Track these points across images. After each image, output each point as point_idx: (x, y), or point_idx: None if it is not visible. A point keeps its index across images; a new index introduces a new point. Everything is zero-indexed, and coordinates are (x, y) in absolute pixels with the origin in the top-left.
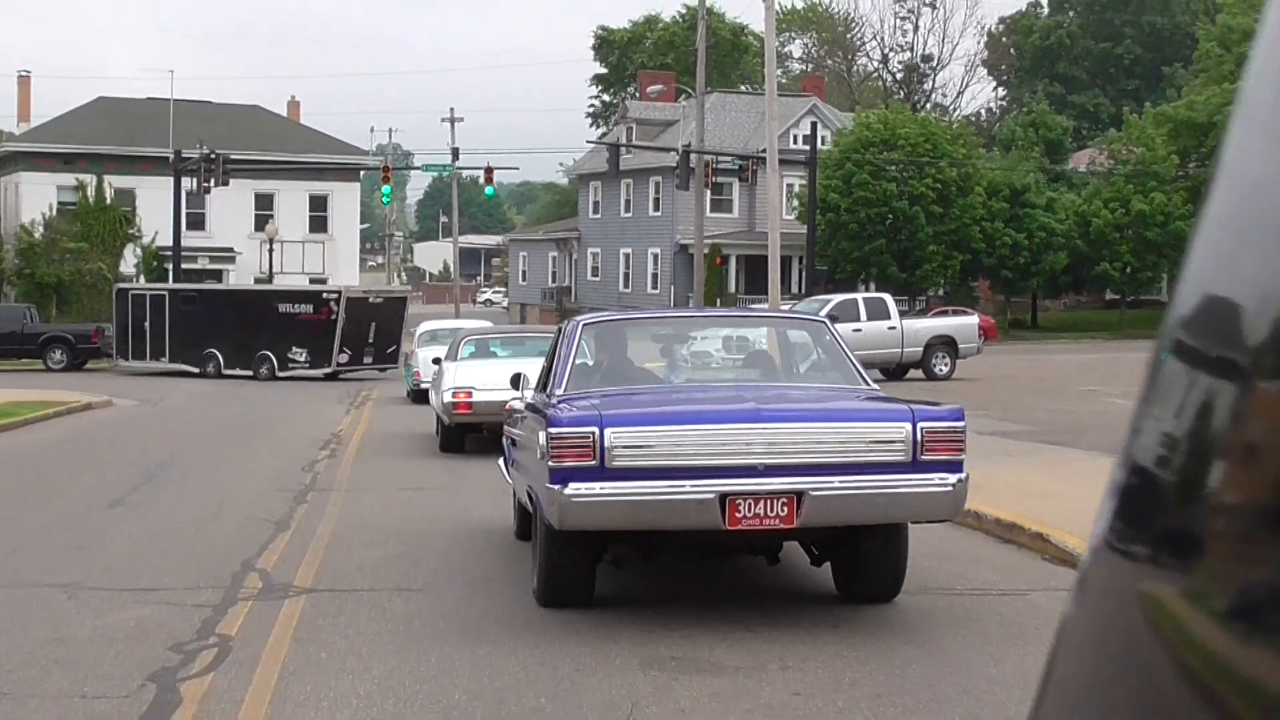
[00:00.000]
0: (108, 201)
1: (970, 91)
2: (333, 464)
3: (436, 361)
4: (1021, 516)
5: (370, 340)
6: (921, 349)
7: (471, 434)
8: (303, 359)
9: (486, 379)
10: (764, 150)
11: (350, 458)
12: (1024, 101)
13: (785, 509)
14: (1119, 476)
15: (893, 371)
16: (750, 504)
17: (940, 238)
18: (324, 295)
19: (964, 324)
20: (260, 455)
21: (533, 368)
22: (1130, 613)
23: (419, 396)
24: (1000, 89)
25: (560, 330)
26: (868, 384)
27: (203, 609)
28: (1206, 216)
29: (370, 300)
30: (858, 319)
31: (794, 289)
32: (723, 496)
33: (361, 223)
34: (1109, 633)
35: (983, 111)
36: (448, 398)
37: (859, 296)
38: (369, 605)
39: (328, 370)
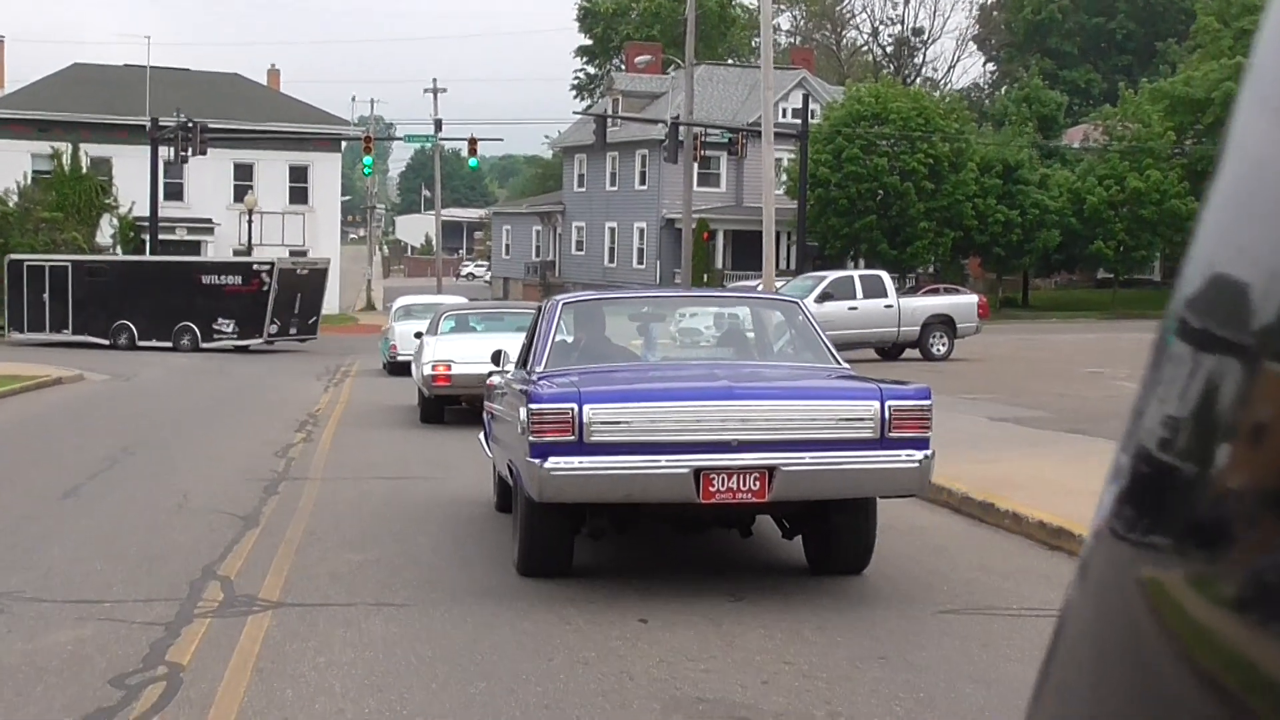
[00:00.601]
0: (84, 170)
1: (962, 66)
2: (308, 448)
3: (418, 336)
4: (1069, 521)
5: (296, 311)
6: (919, 328)
7: (450, 406)
8: (230, 330)
9: (465, 353)
10: (753, 123)
11: (327, 441)
12: (1015, 76)
13: (758, 483)
14: (1122, 460)
15: (889, 351)
16: (724, 478)
17: (932, 214)
18: (254, 266)
19: (962, 303)
20: (232, 437)
21: (511, 343)
22: (1133, 600)
23: (395, 369)
24: (990, 64)
25: (541, 309)
26: (838, 363)
27: (153, 628)
28: (1214, 195)
29: (298, 272)
30: (853, 296)
31: (783, 265)
32: (697, 471)
33: (343, 195)
34: (1111, 620)
35: (972, 87)
36: (427, 370)
37: (855, 274)
38: (344, 625)
39: (259, 341)
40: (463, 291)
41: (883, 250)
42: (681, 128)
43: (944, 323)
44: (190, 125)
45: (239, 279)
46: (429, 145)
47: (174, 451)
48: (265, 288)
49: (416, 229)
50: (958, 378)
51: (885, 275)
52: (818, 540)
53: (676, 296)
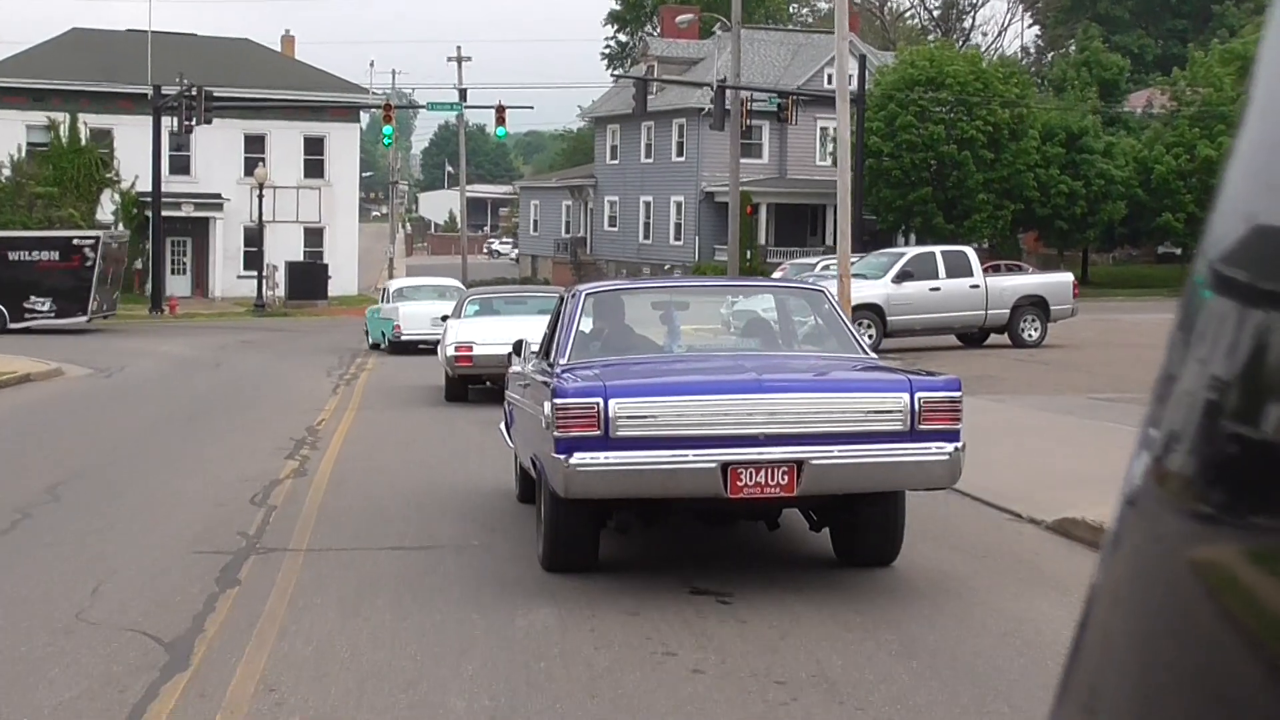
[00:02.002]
0: (82, 142)
1: (1014, 30)
2: (296, 491)
3: (444, 319)
4: None
5: (108, 286)
6: (1008, 311)
7: (475, 385)
8: (46, 309)
9: (487, 335)
10: (804, 85)
11: (323, 478)
12: (1059, 43)
13: (786, 478)
14: (1155, 430)
15: (972, 337)
16: (751, 473)
17: (991, 185)
18: (75, 242)
19: (1056, 282)
20: (198, 469)
21: (533, 326)
22: (1176, 572)
23: (399, 348)
24: (1035, 28)
25: (563, 298)
26: (865, 353)
27: None
28: (1245, 140)
29: (114, 246)
30: (935, 276)
31: (829, 240)
32: (724, 465)
33: (364, 171)
34: (1150, 595)
35: (1019, 53)
36: (450, 352)
37: (936, 250)
38: None
39: (81, 320)
40: (489, 270)
41: (938, 224)
42: (728, 93)
43: (1036, 305)
44: (195, 93)
45: (56, 254)
46: (455, 111)
47: (109, 498)
48: (89, 264)
49: (440, 206)
50: (1067, 370)
51: (970, 251)
52: (846, 533)
53: (701, 285)
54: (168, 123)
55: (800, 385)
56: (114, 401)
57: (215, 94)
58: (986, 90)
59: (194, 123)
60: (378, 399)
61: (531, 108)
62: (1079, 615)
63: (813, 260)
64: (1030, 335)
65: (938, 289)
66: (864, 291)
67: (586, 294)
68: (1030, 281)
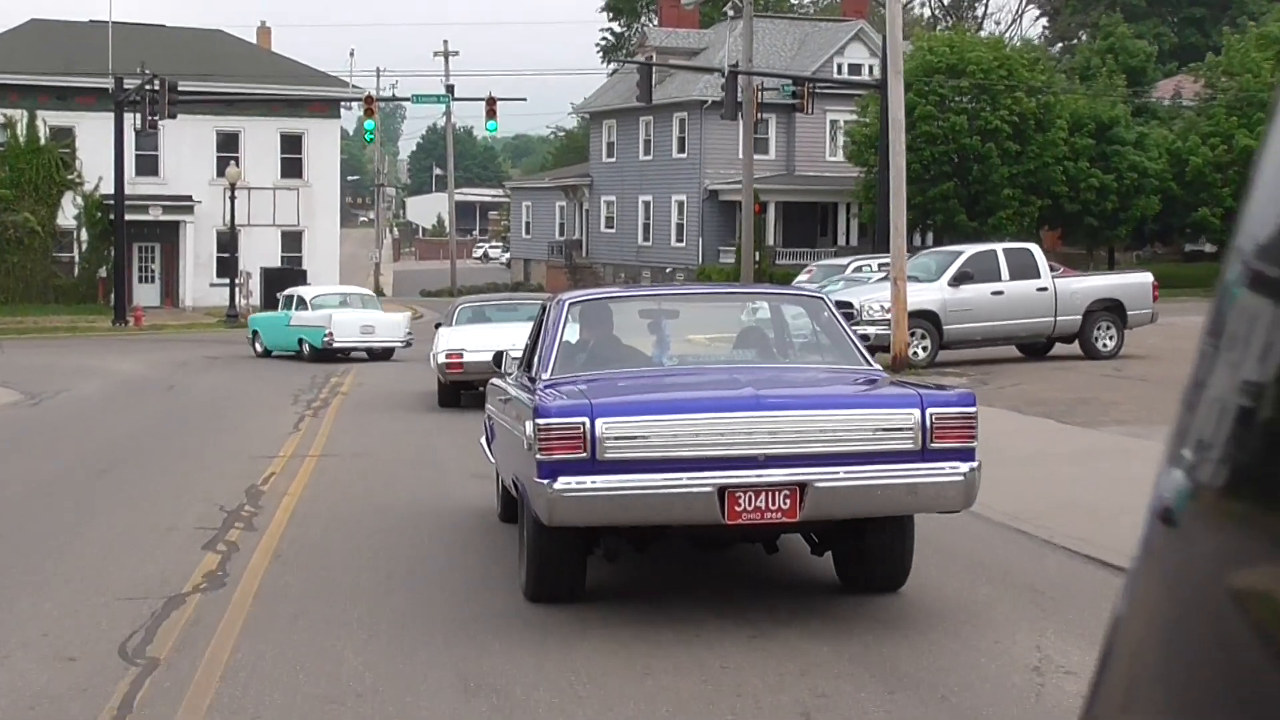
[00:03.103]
0: (41, 141)
1: (1028, 18)
2: (208, 608)
3: (437, 326)
4: None
5: None
6: (1080, 317)
7: (467, 390)
8: None
9: (477, 341)
10: (816, 72)
11: (246, 595)
12: (1070, 34)
13: (788, 501)
14: (1188, 437)
15: (1035, 348)
16: (750, 497)
17: (1016, 179)
18: None
19: (1133, 284)
20: (90, 557)
21: (523, 333)
22: (1207, 589)
23: (321, 356)
24: (1042, 19)
25: (545, 308)
26: (870, 365)
27: None
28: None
29: None
30: (998, 277)
31: (841, 241)
32: (722, 489)
33: (350, 175)
34: (1181, 613)
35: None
36: (441, 359)
37: (998, 248)
38: None
39: None
40: (480, 276)
41: (960, 222)
42: (739, 80)
43: (1111, 309)
44: (158, 85)
45: None
46: (442, 105)
47: None
48: None
49: (428, 210)
50: (1175, 387)
51: (1036, 249)
52: (850, 557)
53: (691, 293)
54: (132, 120)
55: (803, 401)
56: (24, 441)
57: (184, 88)
58: (1010, 78)
59: (158, 118)
60: (348, 435)
61: (524, 99)
62: (1106, 632)
63: (843, 261)
64: (1105, 345)
65: (1000, 293)
66: (916, 297)
67: (571, 303)
68: (1105, 283)
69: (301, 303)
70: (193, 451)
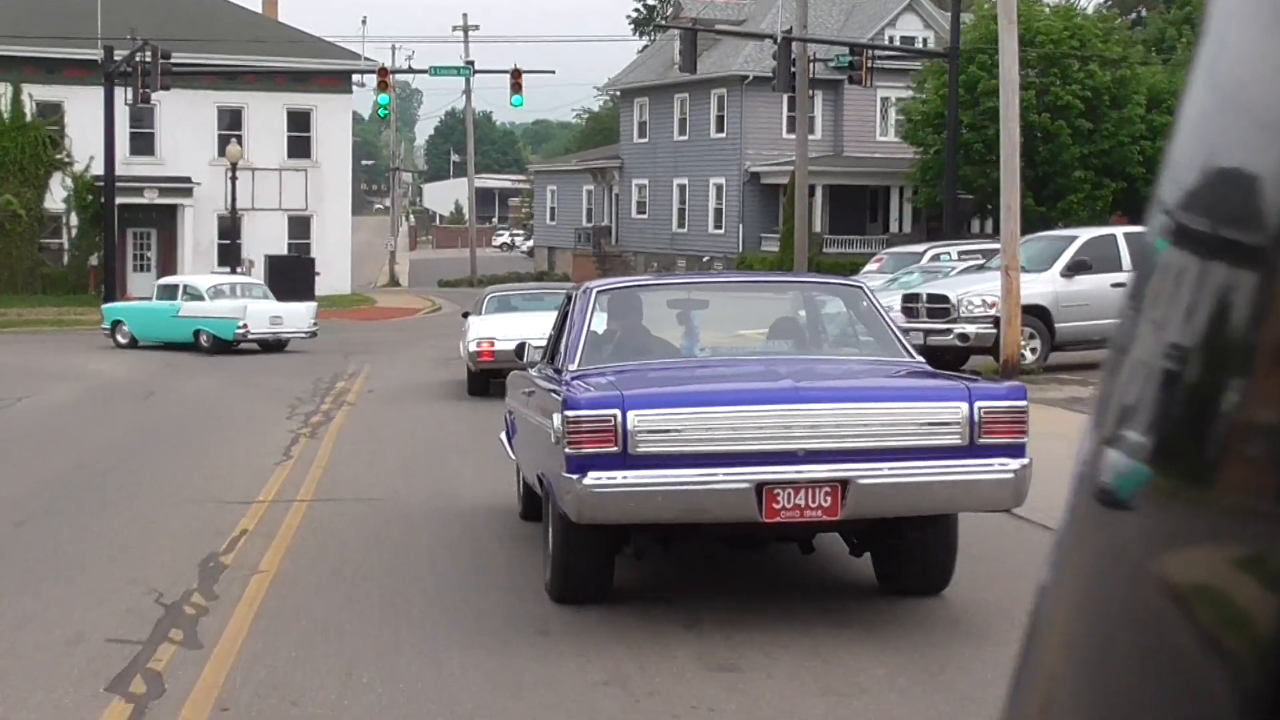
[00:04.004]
0: (28, 118)
1: None
2: None
3: (465, 315)
4: None
5: None
6: None
7: (496, 380)
8: None
9: (508, 330)
10: (873, 39)
11: (213, 682)
12: (1130, 6)
13: (829, 499)
14: (1111, 406)
15: None
16: (789, 494)
17: (1088, 160)
18: None
19: None
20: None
21: (544, 324)
22: (1133, 571)
23: (218, 347)
24: None
25: (570, 297)
26: (912, 356)
27: None
28: (1200, 72)
29: None
30: (1118, 267)
31: (893, 227)
32: (759, 485)
33: (364, 159)
34: (1103, 596)
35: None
36: (472, 347)
37: (1118, 232)
38: None
39: None
40: (502, 265)
41: (1027, 206)
42: (793, 49)
43: None
44: (149, 54)
45: None
46: (462, 77)
47: None
48: None
49: (445, 197)
50: None
51: None
52: (890, 558)
53: (725, 281)
54: (123, 93)
55: (844, 394)
56: None
57: (182, 59)
58: (1083, 49)
59: (150, 90)
60: (352, 465)
61: (553, 72)
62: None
63: (916, 249)
64: None
65: (1122, 284)
66: (1024, 289)
67: (598, 291)
68: None
69: (193, 293)
70: (147, 493)
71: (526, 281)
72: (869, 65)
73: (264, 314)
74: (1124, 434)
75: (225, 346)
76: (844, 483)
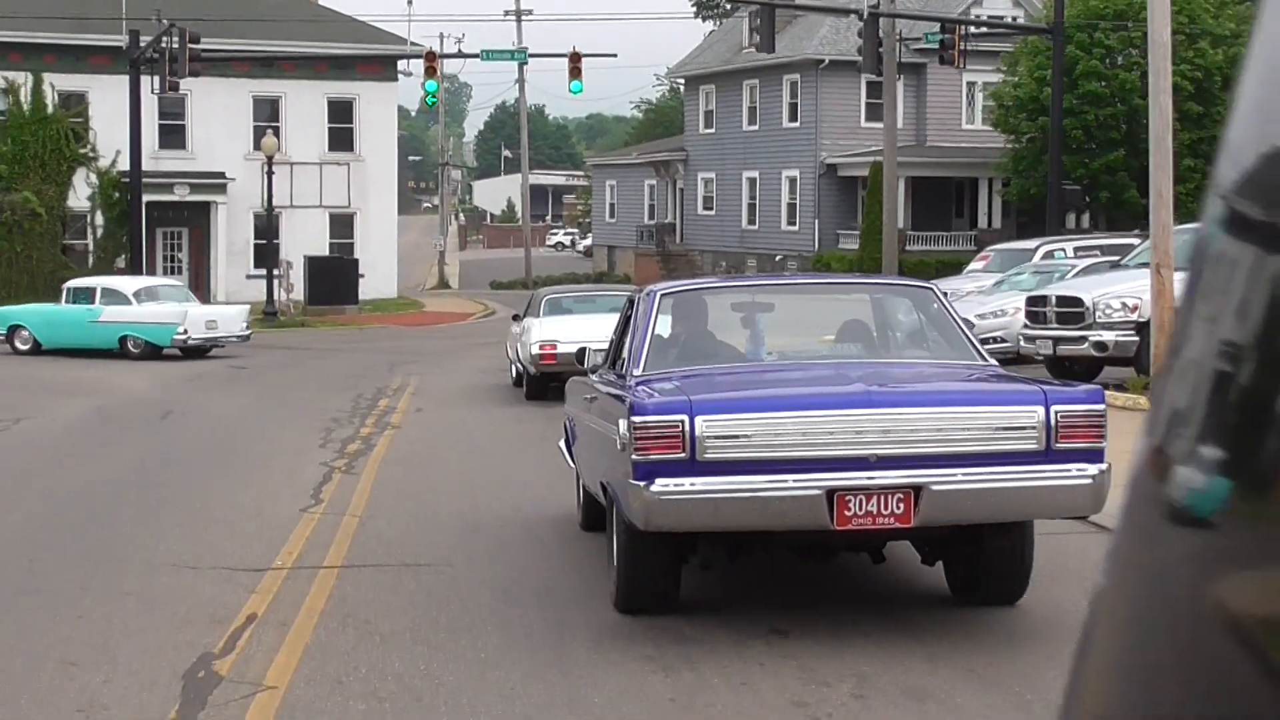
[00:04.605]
0: (49, 109)
1: None
2: None
3: (516, 318)
4: None
5: None
6: None
7: (555, 384)
8: None
9: (570, 333)
10: (964, 14)
11: None
12: None
13: (901, 506)
14: (1167, 405)
15: None
16: (861, 500)
17: (1198, 148)
18: None
19: None
20: None
21: (605, 326)
22: (1187, 579)
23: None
24: None
25: (633, 300)
26: (985, 360)
27: None
28: (1257, 51)
29: None
30: None
31: (981, 223)
32: (830, 492)
33: (411, 155)
34: (1155, 604)
35: None
36: (535, 350)
37: None
38: None
39: None
40: (556, 265)
41: (1130, 199)
42: (881, 25)
43: None
44: (175, 38)
45: None
46: (519, 59)
47: None
48: None
49: (496, 194)
50: None
51: None
52: (964, 567)
53: (792, 283)
54: (149, 82)
55: (917, 398)
56: None
57: (215, 45)
58: (1192, 25)
59: (178, 77)
60: (398, 514)
61: (614, 55)
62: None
63: (1027, 245)
64: None
65: None
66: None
67: (662, 294)
68: None
69: (116, 297)
70: (131, 557)
71: (583, 283)
72: (962, 44)
73: (201, 318)
74: (1194, 445)
75: (155, 353)
76: (917, 489)
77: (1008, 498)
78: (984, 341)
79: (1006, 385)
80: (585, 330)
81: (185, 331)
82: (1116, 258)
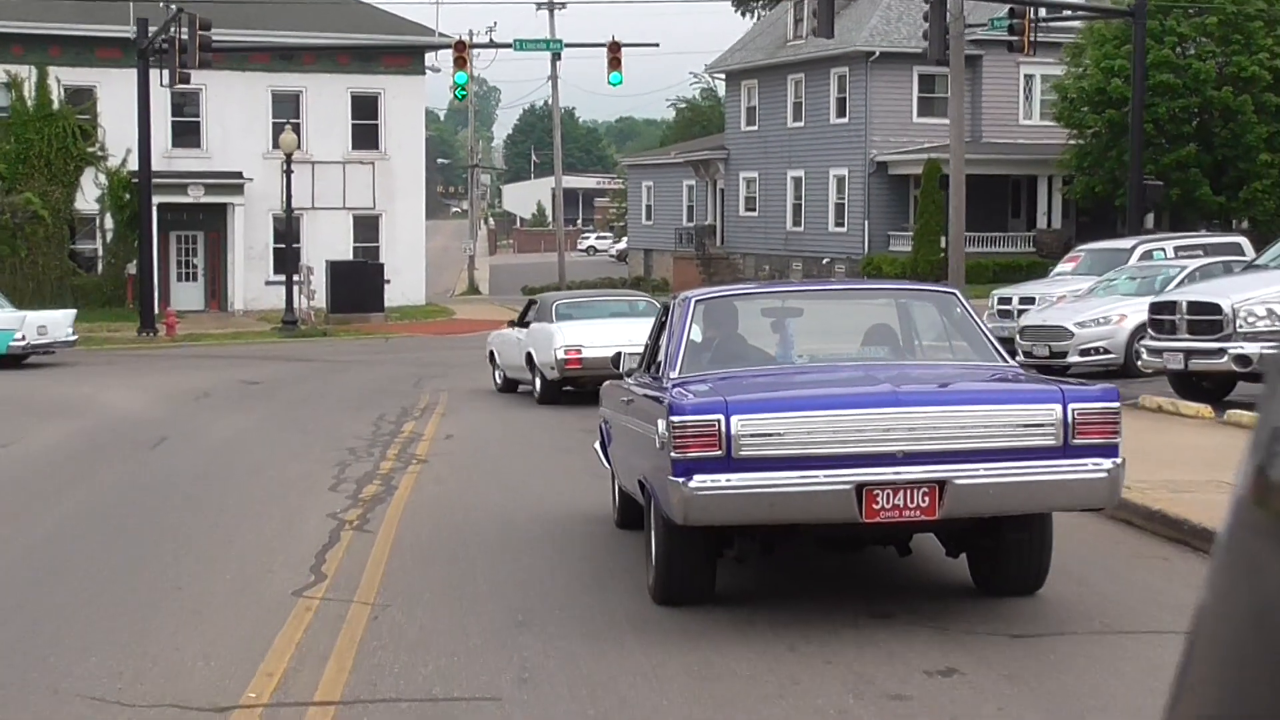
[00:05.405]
0: (55, 105)
1: None
2: None
3: (513, 324)
4: None
5: None
6: None
7: (568, 390)
8: None
9: (594, 338)
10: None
11: None
12: None
13: (926, 499)
14: (1270, 423)
15: None
16: (889, 494)
17: (1276, 142)
18: None
19: None
20: None
21: (635, 329)
22: (1271, 606)
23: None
24: None
25: (668, 307)
26: (1006, 360)
27: None
28: None
29: None
30: None
31: (1040, 223)
32: (859, 487)
33: (440, 158)
34: (1244, 631)
35: None
36: (560, 354)
37: None
38: None
39: None
40: (589, 270)
41: (1202, 196)
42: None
43: None
44: (184, 27)
45: None
46: (554, 49)
47: None
48: None
49: (526, 198)
50: None
51: None
52: (986, 558)
53: (820, 290)
54: (158, 75)
55: (941, 398)
56: None
57: (230, 36)
58: (1272, 9)
59: (188, 69)
60: (415, 599)
61: (657, 44)
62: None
63: (1123, 244)
64: None
65: None
66: None
67: (696, 300)
68: None
69: None
70: (41, 680)
71: (599, 288)
72: (1032, 29)
73: (34, 324)
74: (1272, 453)
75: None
76: (942, 483)
77: (1027, 491)
78: (1086, 353)
79: (1026, 385)
80: (609, 335)
81: (24, 337)
82: (1236, 258)
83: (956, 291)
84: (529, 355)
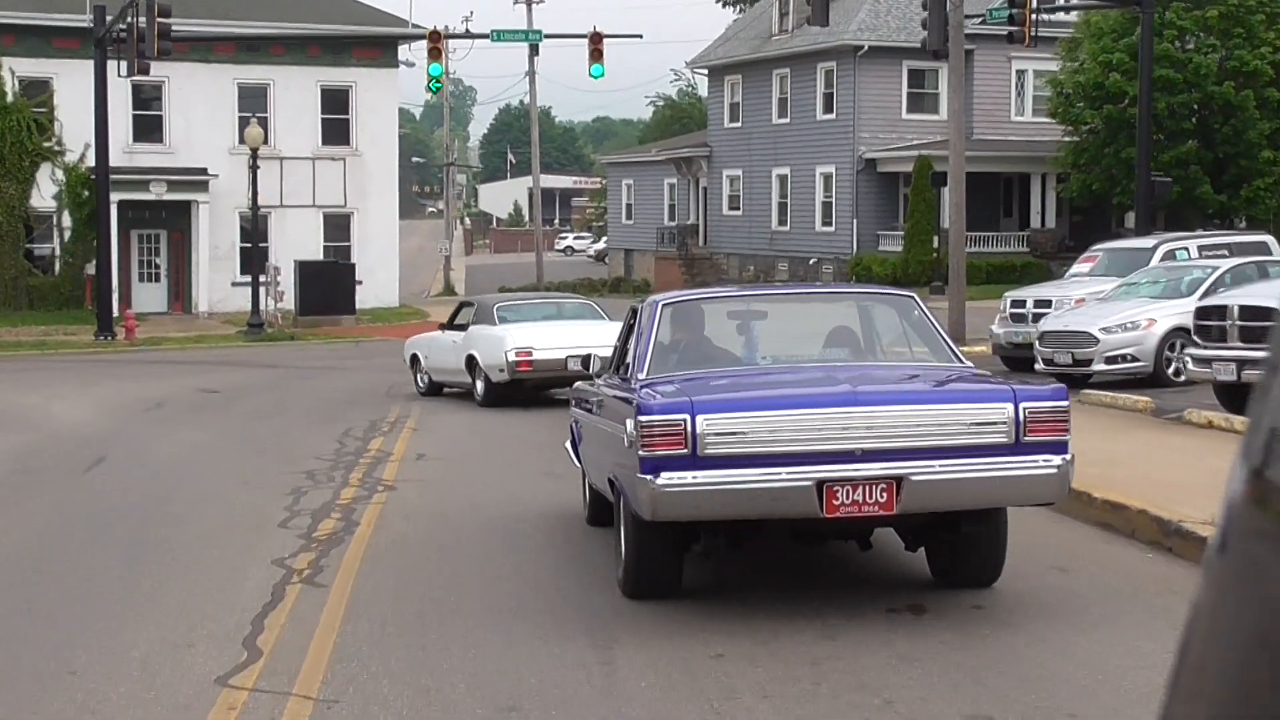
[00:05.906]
0: (9, 98)
1: None
2: None
3: (444, 328)
4: None
5: None
6: None
7: (516, 393)
8: None
9: (545, 340)
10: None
11: None
12: None
13: (884, 495)
14: (1266, 425)
15: None
16: (848, 490)
17: (1278, 139)
18: None
19: None
20: None
21: (586, 332)
22: (1271, 605)
23: None
24: None
25: (636, 310)
26: (961, 362)
27: None
28: None
29: None
30: None
31: (1034, 221)
32: (820, 483)
33: (415, 157)
34: (1240, 633)
35: None
36: (511, 357)
37: None
38: None
39: None
40: (566, 269)
41: (1202, 195)
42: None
43: None
44: (143, 15)
45: None
46: (534, 40)
47: None
48: None
49: (502, 198)
50: None
51: None
52: (944, 552)
53: (783, 294)
54: (116, 66)
55: (898, 397)
56: None
57: (192, 25)
58: (1273, 3)
59: (148, 58)
60: (374, 689)
61: (641, 36)
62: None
63: (1144, 243)
64: None
65: None
66: None
67: (663, 304)
68: None
69: None
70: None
71: (538, 291)
72: (1033, 19)
73: None
74: (1269, 456)
75: None
76: (899, 479)
77: (981, 487)
78: (1113, 360)
79: (979, 385)
80: (557, 337)
81: None
82: (1266, 259)
83: (915, 295)
84: (470, 358)
